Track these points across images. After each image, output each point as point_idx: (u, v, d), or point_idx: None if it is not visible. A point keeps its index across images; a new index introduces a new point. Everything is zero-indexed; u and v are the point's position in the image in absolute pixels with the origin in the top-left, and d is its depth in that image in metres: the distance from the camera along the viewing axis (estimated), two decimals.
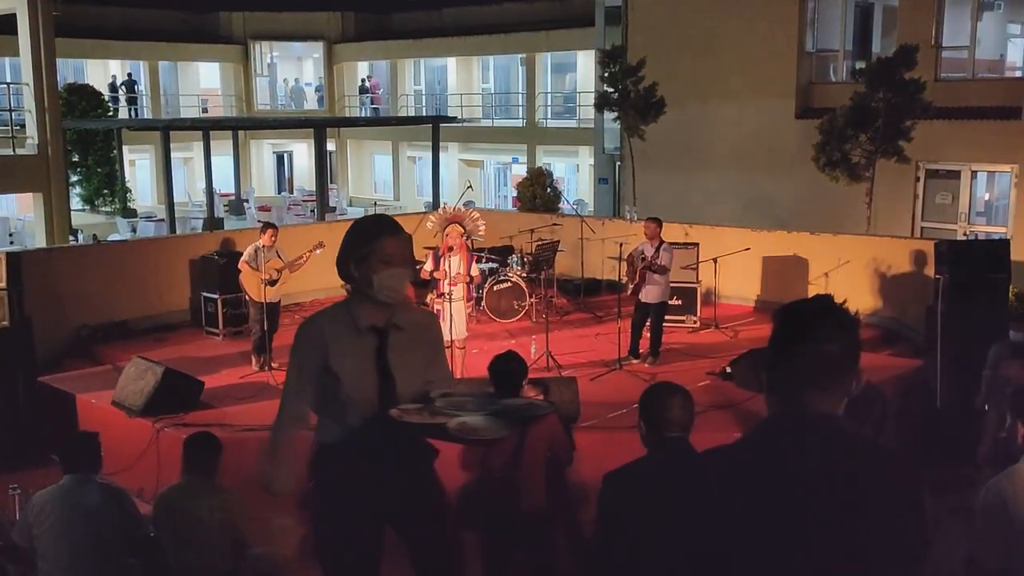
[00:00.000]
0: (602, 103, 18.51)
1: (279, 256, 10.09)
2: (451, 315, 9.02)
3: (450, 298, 9.13)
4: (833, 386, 2.04)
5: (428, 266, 9.32)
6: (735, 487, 2.05)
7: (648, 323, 10.16)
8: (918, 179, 17.10)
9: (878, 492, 2.00)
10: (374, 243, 3.45)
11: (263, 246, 10.02)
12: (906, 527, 2.01)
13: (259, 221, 18.62)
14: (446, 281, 9.18)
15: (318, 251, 10.17)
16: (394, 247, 3.47)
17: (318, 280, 13.22)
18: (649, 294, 9.95)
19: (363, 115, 34.03)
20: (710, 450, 2.23)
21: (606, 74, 18.04)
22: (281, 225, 12.25)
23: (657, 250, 9.91)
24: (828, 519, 1.97)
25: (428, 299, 9.21)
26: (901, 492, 2.05)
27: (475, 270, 9.61)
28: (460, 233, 9.34)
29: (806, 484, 1.99)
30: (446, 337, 9.00)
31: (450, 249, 9.24)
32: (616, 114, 18.71)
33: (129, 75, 31.18)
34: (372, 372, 3.49)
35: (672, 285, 11.68)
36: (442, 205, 10.22)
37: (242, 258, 10.18)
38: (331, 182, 30.16)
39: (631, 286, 10.04)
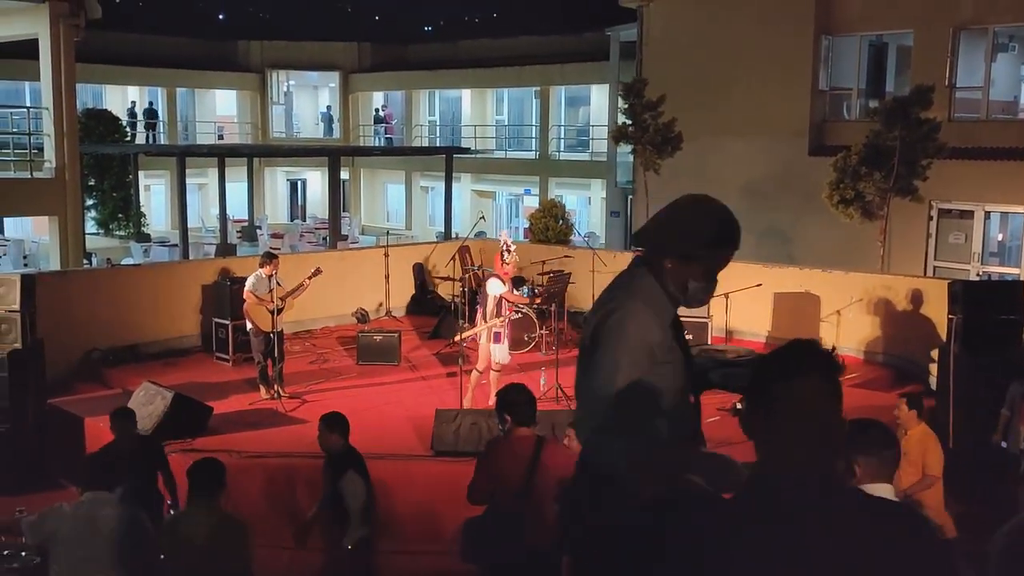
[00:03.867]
0: (619, 136, 18.57)
1: (280, 285, 10.03)
2: (505, 339, 9.43)
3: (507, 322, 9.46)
4: (822, 442, 1.94)
5: (505, 290, 9.35)
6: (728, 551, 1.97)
7: None
8: (931, 218, 17.08)
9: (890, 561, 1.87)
10: (715, 250, 2.92)
11: (265, 276, 9.94)
12: None
13: (270, 249, 18.64)
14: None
15: (315, 278, 10.18)
16: (729, 261, 2.99)
17: (328, 308, 13.29)
18: None
19: (377, 144, 34.27)
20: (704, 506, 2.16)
21: (626, 107, 18.10)
22: (294, 252, 12.29)
23: None
24: None
25: (498, 323, 9.25)
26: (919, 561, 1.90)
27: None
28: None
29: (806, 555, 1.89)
30: (498, 360, 9.21)
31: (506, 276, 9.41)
32: (631, 147, 18.78)
33: (150, 103, 31.54)
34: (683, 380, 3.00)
35: (683, 319, 11.64)
36: (502, 236, 10.34)
37: (247, 288, 10.08)
38: (344, 210, 30.32)
39: None
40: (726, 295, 11.63)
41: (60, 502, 5.06)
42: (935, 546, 1.98)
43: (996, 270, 17.06)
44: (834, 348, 2.41)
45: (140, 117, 31.14)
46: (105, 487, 4.97)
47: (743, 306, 11.92)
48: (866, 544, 1.88)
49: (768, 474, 1.99)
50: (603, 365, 2.84)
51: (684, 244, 2.91)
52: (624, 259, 13.56)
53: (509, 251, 9.41)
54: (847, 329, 11.86)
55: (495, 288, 9.20)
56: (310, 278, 10.16)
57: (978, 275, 16.48)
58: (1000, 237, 18.01)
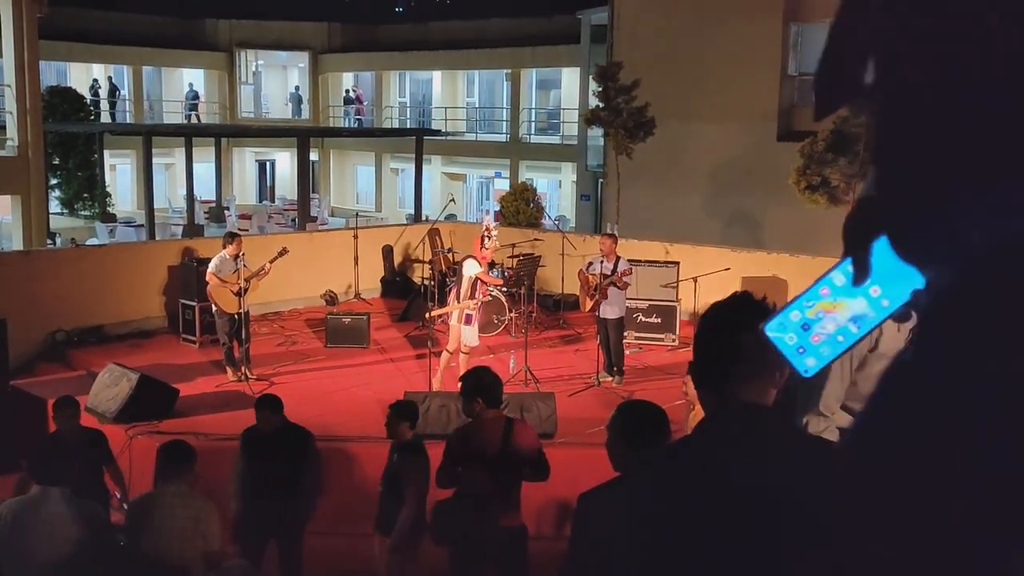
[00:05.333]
0: (592, 119, 18.51)
1: (246, 266, 9.88)
2: (475, 322, 9.39)
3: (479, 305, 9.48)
4: (755, 376, 2.10)
5: (480, 272, 9.27)
6: (687, 498, 2.07)
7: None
8: None
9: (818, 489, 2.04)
10: None
11: (230, 256, 9.85)
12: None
13: (238, 230, 18.43)
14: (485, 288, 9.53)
15: (280, 258, 10.09)
16: None
17: (297, 290, 13.22)
18: (608, 310, 9.86)
19: (347, 126, 34.01)
20: (662, 454, 2.26)
21: (599, 90, 18.05)
22: (262, 234, 12.19)
23: (615, 266, 9.84)
24: (776, 522, 2.01)
25: (471, 305, 9.20)
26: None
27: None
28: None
29: (751, 484, 2.03)
30: (467, 343, 9.18)
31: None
32: (603, 131, 18.76)
33: (110, 78, 31.04)
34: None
35: (652, 303, 11.72)
36: (485, 221, 10.19)
37: (210, 269, 9.94)
38: (313, 192, 30.10)
39: (591, 303, 9.96)
40: (694, 279, 11.71)
41: (6, 499, 4.98)
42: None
43: None
44: (765, 297, 2.49)
45: (104, 95, 30.64)
46: (50, 478, 4.83)
47: (711, 290, 11.99)
48: (807, 471, 2.04)
49: (723, 413, 2.12)
50: None
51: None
52: (593, 243, 13.57)
53: (490, 236, 9.34)
54: None
55: (471, 269, 9.18)
56: (274, 260, 10.06)
57: None
58: None
